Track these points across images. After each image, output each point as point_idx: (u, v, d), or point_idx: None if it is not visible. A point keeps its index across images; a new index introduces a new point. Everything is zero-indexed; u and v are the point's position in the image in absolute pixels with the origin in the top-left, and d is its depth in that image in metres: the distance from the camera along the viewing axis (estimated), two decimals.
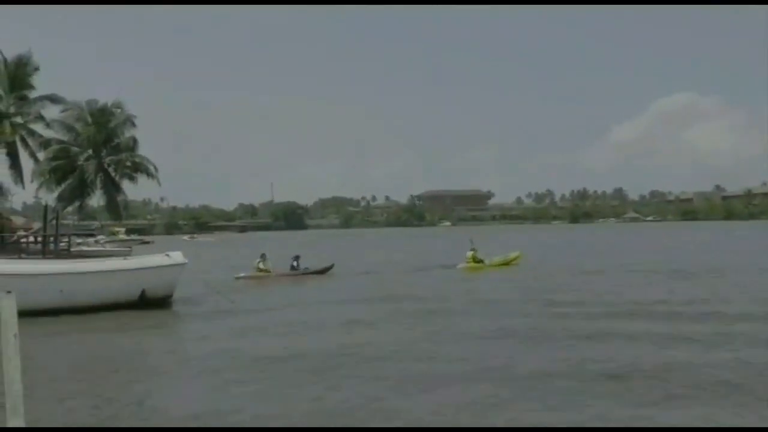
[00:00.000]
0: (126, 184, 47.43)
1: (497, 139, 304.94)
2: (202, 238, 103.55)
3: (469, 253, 28.83)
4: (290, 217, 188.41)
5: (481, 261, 28.67)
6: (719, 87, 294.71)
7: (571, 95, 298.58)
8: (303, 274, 25.36)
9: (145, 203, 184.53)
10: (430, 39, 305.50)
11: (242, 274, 24.82)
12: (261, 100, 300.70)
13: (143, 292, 16.21)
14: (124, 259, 18.53)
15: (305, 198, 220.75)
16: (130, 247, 48.15)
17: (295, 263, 25.96)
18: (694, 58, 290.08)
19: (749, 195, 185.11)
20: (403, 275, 26.12)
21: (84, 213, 57.93)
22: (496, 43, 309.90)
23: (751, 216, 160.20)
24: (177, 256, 17.22)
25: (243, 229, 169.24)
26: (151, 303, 16.23)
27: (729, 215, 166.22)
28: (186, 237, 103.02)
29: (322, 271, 26.16)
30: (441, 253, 39.43)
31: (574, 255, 37.84)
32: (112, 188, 46.70)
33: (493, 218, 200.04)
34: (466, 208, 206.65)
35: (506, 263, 29.33)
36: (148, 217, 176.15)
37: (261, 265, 25.14)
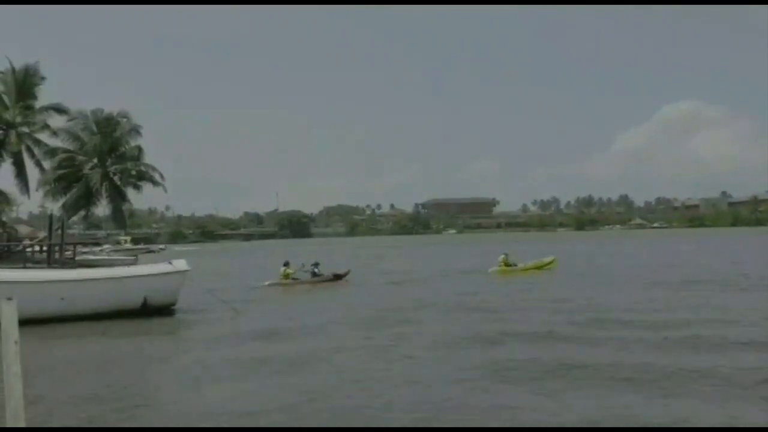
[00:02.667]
0: (131, 193, 47.67)
1: (503, 148, 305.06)
2: (179, 247, 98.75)
3: (501, 257, 29.17)
4: (295, 226, 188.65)
5: (513, 265, 28.94)
6: (725, 95, 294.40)
7: (577, 104, 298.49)
8: (323, 280, 25.79)
9: (151, 212, 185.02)
10: (436, 51, 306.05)
11: (269, 282, 25.27)
12: (267, 113, 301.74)
13: (145, 299, 16.09)
14: (127, 267, 18.46)
15: (310, 207, 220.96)
16: (135, 256, 48.21)
17: (315, 270, 26.33)
18: (699, 67, 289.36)
19: (755, 201, 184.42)
20: (432, 282, 25.83)
21: (89, 222, 58.21)
22: (501, 54, 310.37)
23: (758, 222, 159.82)
24: (180, 264, 17.07)
25: (248, 238, 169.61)
26: (153, 311, 16.13)
27: (735, 222, 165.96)
28: (159, 247, 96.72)
29: (340, 277, 26.53)
30: (468, 259, 39.53)
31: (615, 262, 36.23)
32: (117, 197, 46.88)
33: (498, 226, 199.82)
34: (471, 215, 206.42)
35: (539, 267, 29.27)
36: (154, 225, 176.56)
37: (286, 272, 25.57)
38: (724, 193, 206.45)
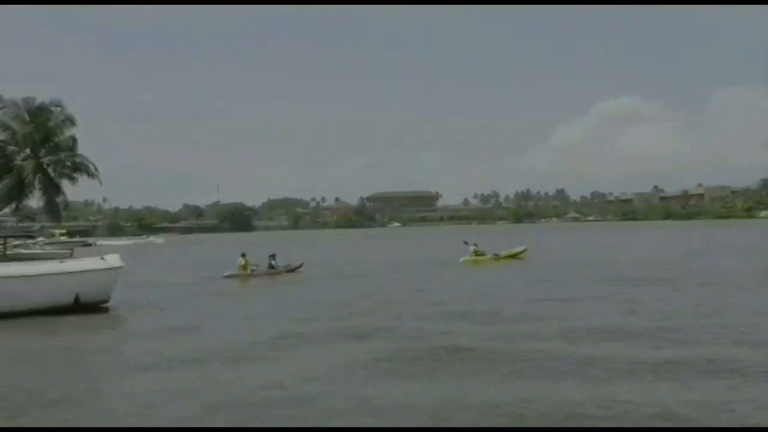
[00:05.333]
0: (66, 185, 46.35)
1: (446, 142, 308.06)
2: (110, 241, 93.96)
3: (472, 248, 30.02)
4: (237, 219, 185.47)
5: (483, 255, 29.85)
6: (659, 92, 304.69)
7: (518, 98, 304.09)
8: (279, 272, 26.62)
9: (87, 204, 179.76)
10: (382, 46, 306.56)
11: (228, 273, 26.07)
12: (207, 102, 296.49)
13: (77, 296, 15.77)
14: (60, 262, 17.97)
15: (253, 199, 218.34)
16: (71, 250, 46.98)
17: (273, 262, 27.15)
18: (636, 64, 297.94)
19: (686, 196, 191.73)
20: (401, 274, 25.86)
21: (22, 214, 56.35)
22: (444, 48, 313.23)
23: (688, 216, 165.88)
24: (113, 260, 16.76)
25: (188, 231, 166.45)
26: (85, 308, 15.80)
27: (667, 215, 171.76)
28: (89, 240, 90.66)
29: (294, 270, 27.32)
30: (430, 250, 40.12)
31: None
32: (51, 189, 45.48)
33: (441, 219, 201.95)
34: (415, 209, 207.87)
35: (511, 257, 30.35)
36: (90, 218, 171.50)
37: (243, 264, 26.30)
38: (656, 188, 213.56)
